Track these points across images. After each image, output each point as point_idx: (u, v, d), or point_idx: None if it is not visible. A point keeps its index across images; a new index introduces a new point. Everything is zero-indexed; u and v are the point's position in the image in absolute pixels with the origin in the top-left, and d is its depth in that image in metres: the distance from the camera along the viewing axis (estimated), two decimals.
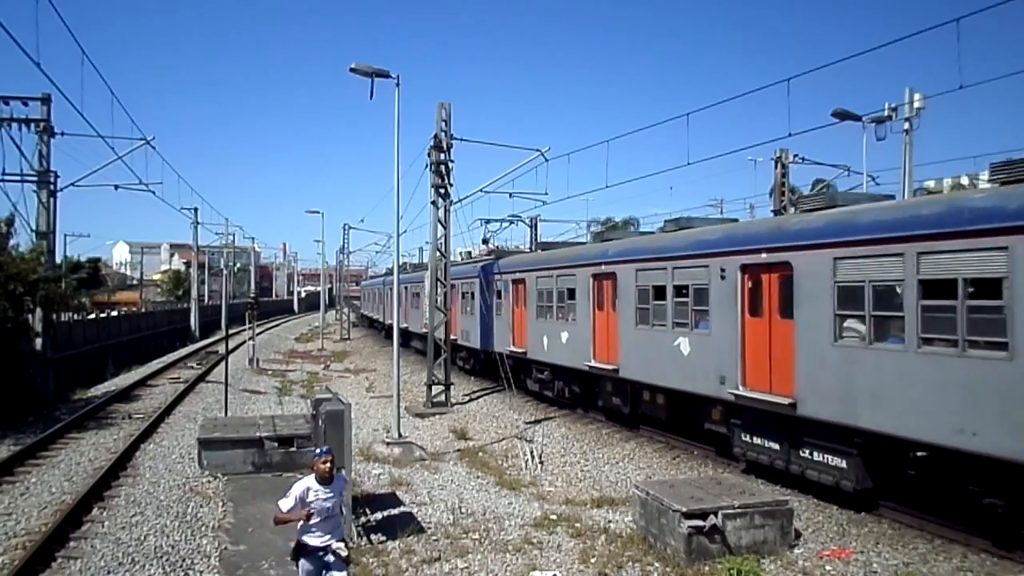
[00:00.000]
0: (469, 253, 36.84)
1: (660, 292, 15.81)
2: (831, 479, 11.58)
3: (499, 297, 25.20)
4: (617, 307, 17.45)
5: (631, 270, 16.91)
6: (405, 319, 34.89)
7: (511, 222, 34.49)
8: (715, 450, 15.13)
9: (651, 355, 16.07)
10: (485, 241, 33.87)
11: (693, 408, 15.28)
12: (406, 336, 35.68)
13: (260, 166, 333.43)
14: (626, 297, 17.03)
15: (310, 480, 6.65)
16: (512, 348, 23.77)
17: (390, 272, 46.12)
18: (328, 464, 6.70)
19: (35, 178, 23.50)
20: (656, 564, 9.32)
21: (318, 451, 6.97)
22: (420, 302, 33.52)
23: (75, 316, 35.45)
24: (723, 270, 13.70)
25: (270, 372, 33.16)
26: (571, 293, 19.95)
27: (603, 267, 18.25)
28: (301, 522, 6.51)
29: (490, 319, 26.00)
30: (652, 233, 21.00)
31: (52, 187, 23.97)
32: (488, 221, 33.99)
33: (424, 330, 29.38)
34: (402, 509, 11.73)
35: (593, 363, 18.48)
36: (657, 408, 16.53)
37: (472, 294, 27.99)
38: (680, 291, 15.17)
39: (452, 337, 27.24)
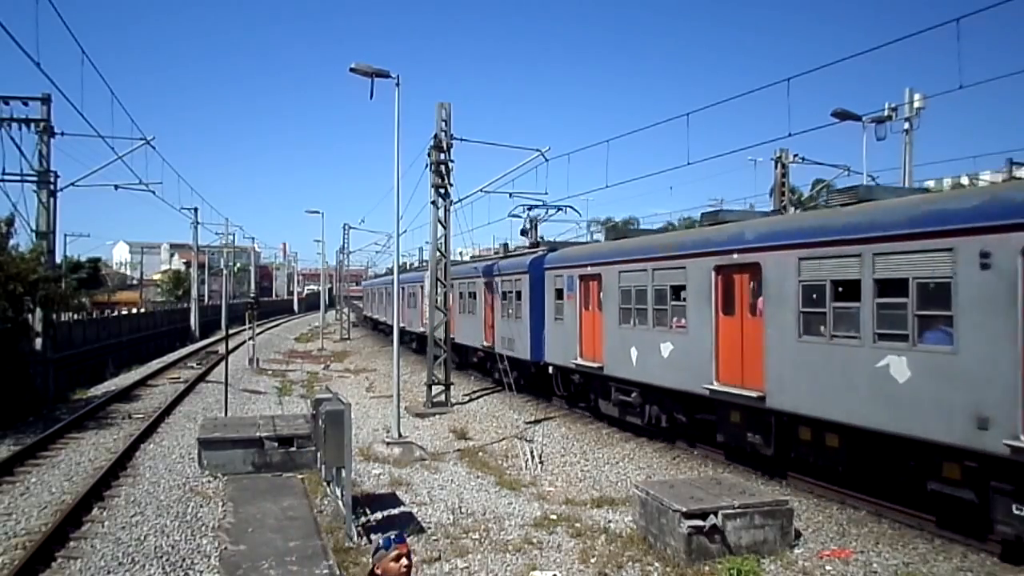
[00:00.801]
0: (505, 246, 31.51)
1: (851, 290, 11.05)
2: None
3: (558, 298, 20.78)
4: (763, 311, 12.84)
5: (791, 259, 12.09)
6: (422, 323, 31.87)
7: (559, 208, 27.52)
8: (723, 454, 15.11)
9: (826, 378, 11.35)
10: (525, 232, 27.51)
11: (894, 455, 10.74)
12: (422, 342, 31.72)
13: (260, 166, 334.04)
14: (781, 297, 12.35)
15: None
16: (580, 361, 19.32)
17: (405, 269, 42.36)
18: (406, 564, 4.40)
19: (35, 178, 23.50)
20: (656, 564, 9.32)
21: (384, 541, 4.38)
22: (456, 304, 29.29)
23: (75, 316, 35.48)
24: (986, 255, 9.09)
25: (270, 372, 33.16)
26: (676, 292, 15.52)
27: (736, 256, 13.47)
28: None
29: (543, 324, 21.54)
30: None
31: (52, 187, 23.97)
32: (532, 207, 27.32)
33: (462, 339, 27.75)
34: (402, 509, 11.73)
35: (716, 386, 13.82)
36: (825, 452, 11.88)
37: (515, 293, 23.42)
38: (893, 288, 10.36)
39: (486, 344, 25.80)
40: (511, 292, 23.80)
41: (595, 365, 18.50)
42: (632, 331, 16.88)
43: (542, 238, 28.22)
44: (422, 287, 32.81)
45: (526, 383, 23.42)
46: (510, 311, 23.91)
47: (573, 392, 20.99)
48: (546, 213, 27.06)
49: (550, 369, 21.51)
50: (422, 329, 31.65)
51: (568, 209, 27.83)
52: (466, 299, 28.73)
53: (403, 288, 32.70)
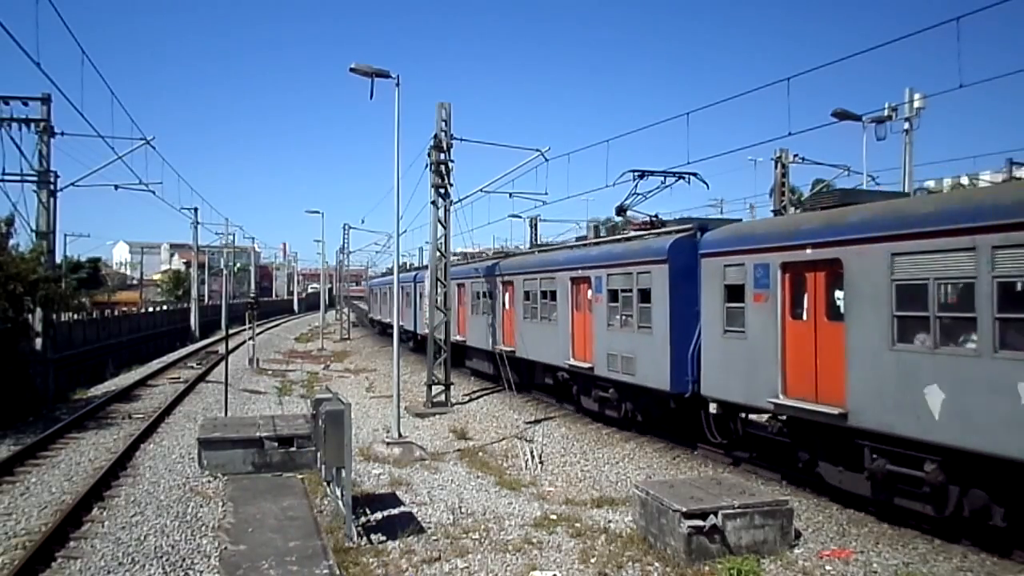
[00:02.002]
0: (598, 228, 26.21)
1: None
2: None
3: (733, 298, 13.68)
4: None
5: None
6: (460, 331, 28.12)
7: (680, 176, 19.72)
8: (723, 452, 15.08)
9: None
10: (622, 210, 19.62)
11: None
12: (458, 353, 27.57)
13: (260, 166, 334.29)
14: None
15: None
16: (787, 400, 12.28)
17: (405, 268, 39.50)
18: None
19: (35, 178, 23.49)
20: (656, 564, 9.32)
21: None
22: (487, 307, 26.04)
23: (75, 316, 35.48)
24: None
25: (270, 372, 33.16)
26: None
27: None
28: None
29: (693, 337, 14.88)
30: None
31: (52, 187, 23.96)
32: (643, 174, 19.14)
33: (498, 347, 24.29)
34: (402, 509, 11.73)
35: None
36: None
37: (638, 293, 16.36)
38: None
39: (574, 362, 19.14)
40: (627, 291, 16.77)
41: (832, 411, 11.25)
42: (937, 359, 9.70)
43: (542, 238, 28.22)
44: (463, 285, 28.97)
45: (647, 418, 17.04)
46: (625, 317, 16.84)
47: (737, 441, 14.85)
48: (663, 182, 19.38)
49: (711, 407, 14.37)
50: (460, 337, 27.85)
51: (691, 178, 19.74)
52: (533, 300, 22.11)
53: (422, 287, 30.76)
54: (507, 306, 24.33)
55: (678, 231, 16.16)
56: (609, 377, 17.46)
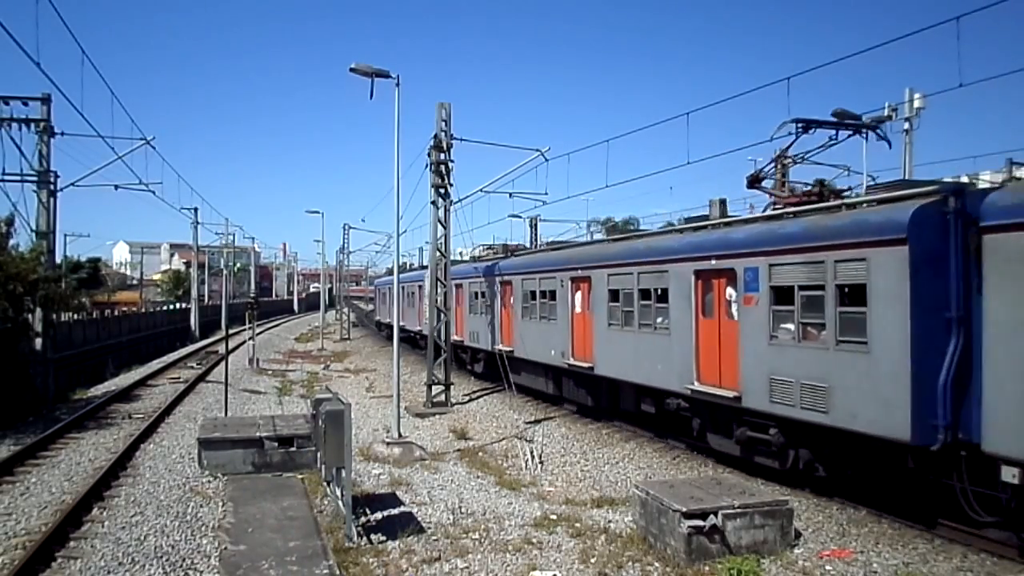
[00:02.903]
0: (724, 203, 18.85)
1: None
2: None
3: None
4: None
5: None
6: (507, 340, 24.17)
7: (858, 130, 16.44)
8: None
9: None
10: (757, 181, 15.38)
11: None
12: (491, 364, 25.38)
13: (260, 166, 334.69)
14: None
15: None
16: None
17: (403, 269, 34.81)
18: None
19: (35, 178, 23.50)
20: (656, 564, 9.32)
21: None
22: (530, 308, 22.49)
23: (75, 316, 35.49)
24: None
25: (270, 372, 33.16)
26: None
27: None
28: None
29: (946, 360, 9.98)
30: None
31: (52, 187, 23.96)
32: (808, 126, 15.52)
33: (567, 361, 19.88)
34: (402, 509, 11.73)
35: None
36: None
37: (846, 291, 11.41)
38: None
39: (704, 387, 14.13)
40: (813, 288, 11.81)
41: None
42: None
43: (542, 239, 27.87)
44: (509, 283, 23.94)
45: (838, 473, 12.18)
46: (808, 327, 12.06)
47: None
48: (833, 137, 15.54)
49: (1005, 473, 9.10)
50: (505, 347, 23.91)
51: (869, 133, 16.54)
52: (624, 301, 17.10)
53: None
54: (578, 309, 19.51)
55: (917, 195, 10.75)
56: (771, 412, 12.52)
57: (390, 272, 49.83)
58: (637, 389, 17.09)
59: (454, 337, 26.65)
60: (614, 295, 17.52)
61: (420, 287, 34.82)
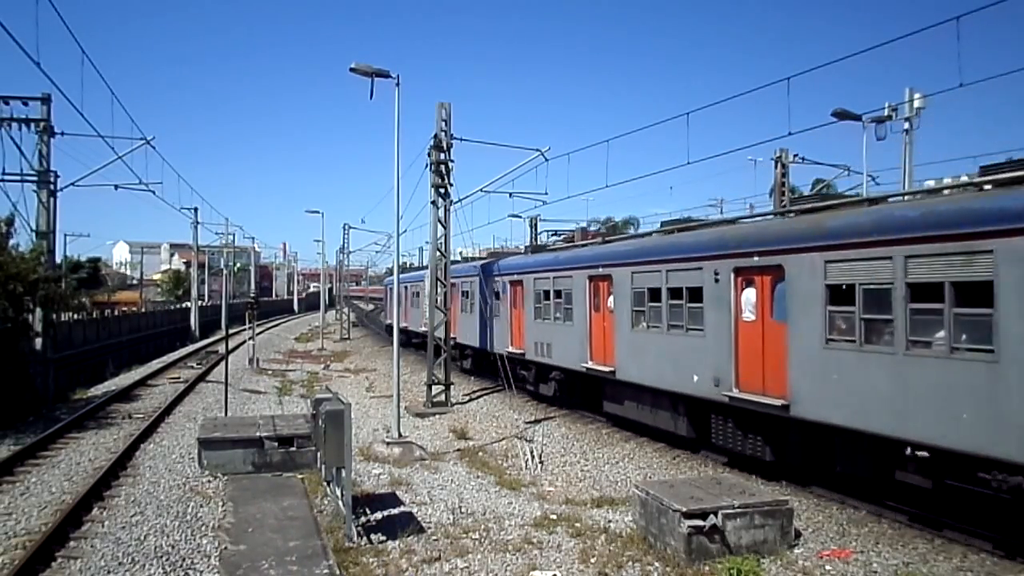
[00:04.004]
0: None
1: None
2: None
3: None
4: None
5: None
6: (602, 356, 18.35)
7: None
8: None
9: None
10: None
11: None
12: (568, 382, 20.88)
13: (260, 166, 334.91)
14: None
15: None
16: None
17: (477, 259, 31.38)
18: None
19: (35, 178, 23.51)
20: (656, 564, 9.32)
21: None
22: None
23: (75, 316, 35.49)
24: None
25: (270, 372, 33.15)
26: None
27: None
28: None
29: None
30: None
31: (52, 187, 23.97)
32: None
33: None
34: (402, 509, 11.73)
35: None
36: None
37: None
38: None
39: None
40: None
41: None
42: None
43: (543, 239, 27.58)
44: (605, 279, 18.17)
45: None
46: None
47: None
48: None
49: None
50: (599, 366, 18.28)
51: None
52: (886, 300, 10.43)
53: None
54: (749, 316, 13.18)
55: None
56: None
57: (409, 269, 44.64)
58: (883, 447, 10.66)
59: (509, 349, 23.88)
60: (842, 292, 11.14)
61: (452, 285, 30.65)
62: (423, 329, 31.07)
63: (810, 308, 11.63)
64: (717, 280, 13.81)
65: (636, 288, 16.58)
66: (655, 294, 15.85)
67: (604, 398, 18.60)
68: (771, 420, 12.67)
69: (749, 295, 13.23)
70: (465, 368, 29.50)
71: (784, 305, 12.26)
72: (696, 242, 14.98)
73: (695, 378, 14.34)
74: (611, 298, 17.75)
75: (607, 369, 17.79)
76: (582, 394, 20.24)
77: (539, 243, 28.41)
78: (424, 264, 40.81)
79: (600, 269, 18.36)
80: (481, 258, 32.21)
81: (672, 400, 15.54)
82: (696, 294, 14.49)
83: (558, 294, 20.62)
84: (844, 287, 11.13)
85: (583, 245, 21.42)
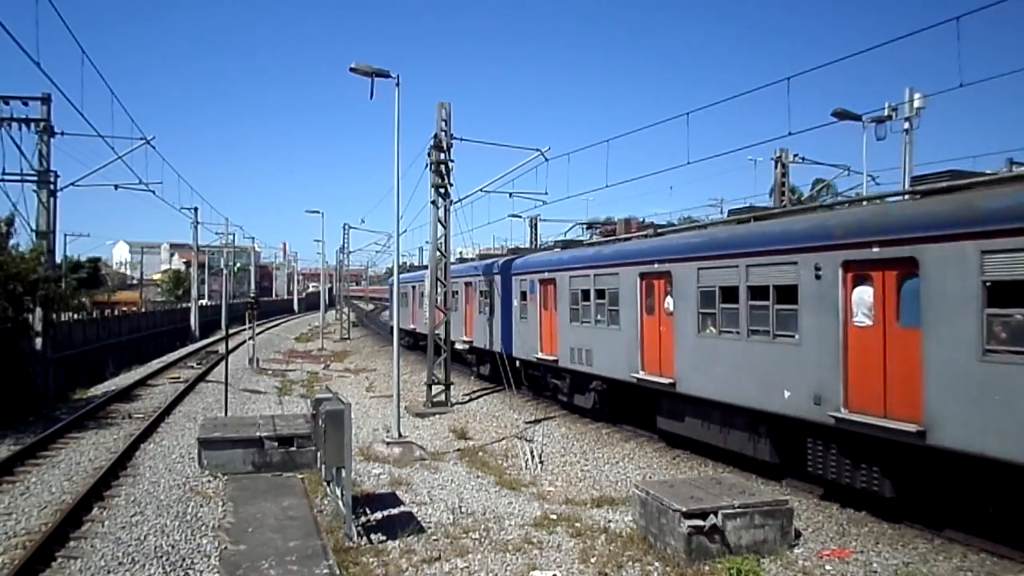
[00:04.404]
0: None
1: None
2: None
3: None
4: None
5: None
6: (658, 366, 15.94)
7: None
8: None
9: None
10: None
11: None
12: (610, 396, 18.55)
13: (260, 166, 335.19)
14: None
15: None
16: None
17: (504, 255, 27.86)
18: None
19: (35, 178, 23.52)
20: (656, 564, 9.32)
21: None
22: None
23: (75, 316, 35.49)
24: None
25: (270, 372, 33.15)
26: None
27: None
28: None
29: None
30: None
31: (52, 187, 23.98)
32: None
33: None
34: (402, 509, 11.73)
35: None
36: None
37: None
38: None
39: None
40: None
41: None
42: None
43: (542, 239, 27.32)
44: (662, 276, 15.83)
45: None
46: None
47: None
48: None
49: None
50: (643, 374, 16.28)
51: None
52: None
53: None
54: (867, 319, 10.95)
55: None
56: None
57: (410, 269, 41.62)
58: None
59: (539, 355, 21.74)
60: (1006, 292, 9.16)
61: (467, 284, 28.34)
62: (483, 344, 27.31)
63: (958, 311, 9.46)
64: (818, 276, 11.36)
65: (704, 287, 14.23)
66: (730, 294, 13.48)
67: (659, 413, 16.15)
68: (895, 448, 10.57)
69: (863, 295, 10.94)
70: (483, 375, 27.10)
71: (916, 307, 10.05)
72: (787, 231, 12.51)
73: (785, 394, 11.98)
74: (669, 299, 15.48)
75: (664, 381, 15.35)
76: (629, 408, 17.89)
77: (566, 239, 25.68)
78: (467, 259, 39.96)
79: (655, 265, 15.95)
80: (499, 255, 30.22)
81: (750, 419, 13.26)
82: (787, 294, 12.15)
83: (600, 294, 18.20)
84: (1013, 283, 8.97)
85: (628, 238, 19.09)
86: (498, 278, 25.35)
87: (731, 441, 13.93)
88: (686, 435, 15.29)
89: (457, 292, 29.06)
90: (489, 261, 27.85)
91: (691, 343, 14.66)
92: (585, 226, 24.18)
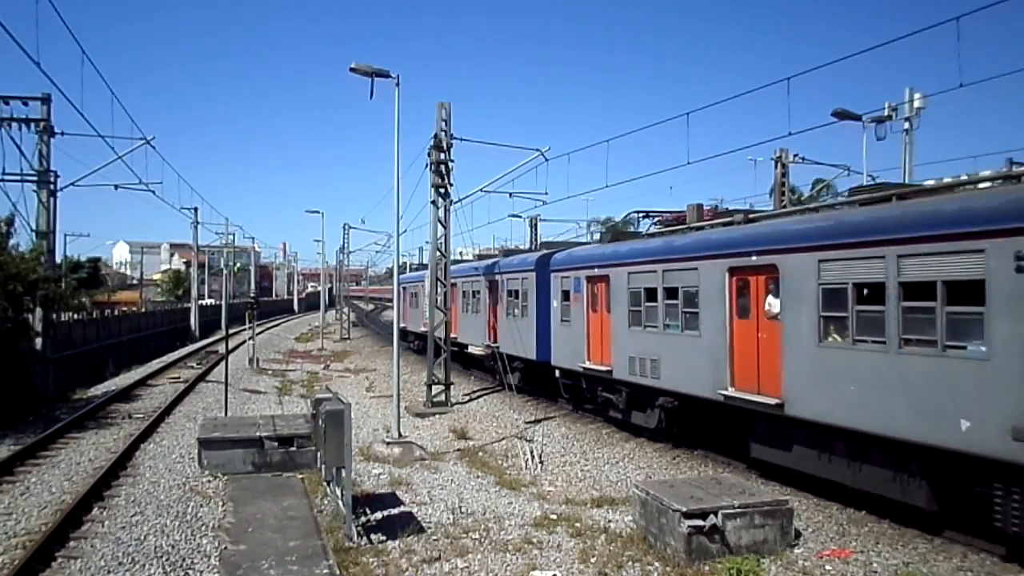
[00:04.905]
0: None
1: None
2: None
3: None
4: None
5: None
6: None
7: None
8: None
9: None
10: None
11: None
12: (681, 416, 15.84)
13: (260, 166, 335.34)
14: None
15: None
16: None
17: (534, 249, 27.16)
18: None
19: (35, 178, 23.53)
20: (656, 564, 9.32)
21: None
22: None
23: (75, 316, 35.50)
24: None
25: (270, 372, 33.15)
26: None
27: None
28: None
29: None
30: None
31: (52, 187, 23.99)
32: None
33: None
34: (402, 509, 11.73)
35: None
36: None
37: None
38: None
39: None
40: None
41: None
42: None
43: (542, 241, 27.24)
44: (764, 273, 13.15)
45: None
46: None
47: None
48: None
49: None
50: (732, 391, 13.60)
51: None
52: None
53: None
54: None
55: None
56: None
57: (488, 257, 34.87)
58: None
59: (586, 364, 19.06)
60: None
61: (492, 282, 25.47)
62: (516, 351, 23.74)
63: None
64: (1021, 269, 8.67)
65: (827, 283, 11.40)
66: (872, 292, 10.77)
67: (754, 439, 13.40)
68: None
69: None
70: (512, 385, 23.53)
71: None
72: (966, 209, 9.73)
73: (963, 425, 9.22)
74: (771, 299, 12.80)
75: (766, 400, 12.60)
76: (708, 430, 15.19)
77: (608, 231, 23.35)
78: (466, 259, 38.49)
79: (753, 258, 13.13)
80: (533, 250, 27.88)
81: (897, 453, 10.47)
82: (967, 291, 9.39)
83: (671, 293, 15.41)
84: None
85: (702, 226, 16.06)
86: (532, 275, 22.60)
87: (863, 479, 11.13)
88: (793, 467, 12.54)
89: (479, 292, 27.46)
90: (522, 256, 25.60)
91: (807, 354, 11.76)
92: (642, 215, 20.00)
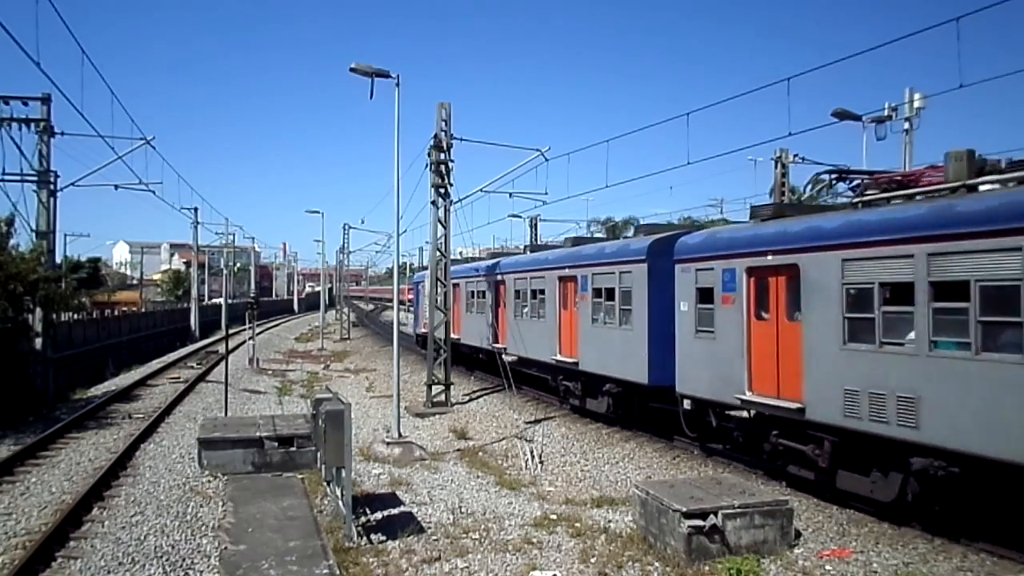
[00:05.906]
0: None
1: None
2: None
3: None
4: None
5: None
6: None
7: None
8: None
9: None
10: None
11: None
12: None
13: (260, 166, 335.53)
14: None
15: None
16: None
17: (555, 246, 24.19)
18: None
19: (35, 178, 23.50)
20: (656, 564, 9.32)
21: None
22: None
23: (75, 316, 35.51)
24: None
25: (270, 372, 33.16)
26: None
27: None
28: None
29: None
30: None
31: (52, 187, 23.96)
32: None
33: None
34: (402, 509, 11.73)
35: None
36: None
37: None
38: None
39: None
40: None
41: None
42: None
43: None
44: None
45: None
46: None
47: None
48: None
49: None
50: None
51: None
52: None
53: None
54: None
55: None
56: None
57: (508, 252, 33.66)
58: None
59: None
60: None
61: (566, 279, 20.10)
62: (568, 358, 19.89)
63: None
64: None
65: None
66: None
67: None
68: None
69: None
70: (591, 411, 19.23)
71: None
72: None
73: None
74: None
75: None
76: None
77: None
78: (477, 256, 37.56)
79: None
80: (556, 245, 25.25)
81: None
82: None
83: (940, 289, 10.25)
84: None
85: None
86: (641, 268, 16.85)
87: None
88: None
89: (541, 292, 21.94)
90: (617, 243, 20.49)
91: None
92: (835, 177, 15.58)
